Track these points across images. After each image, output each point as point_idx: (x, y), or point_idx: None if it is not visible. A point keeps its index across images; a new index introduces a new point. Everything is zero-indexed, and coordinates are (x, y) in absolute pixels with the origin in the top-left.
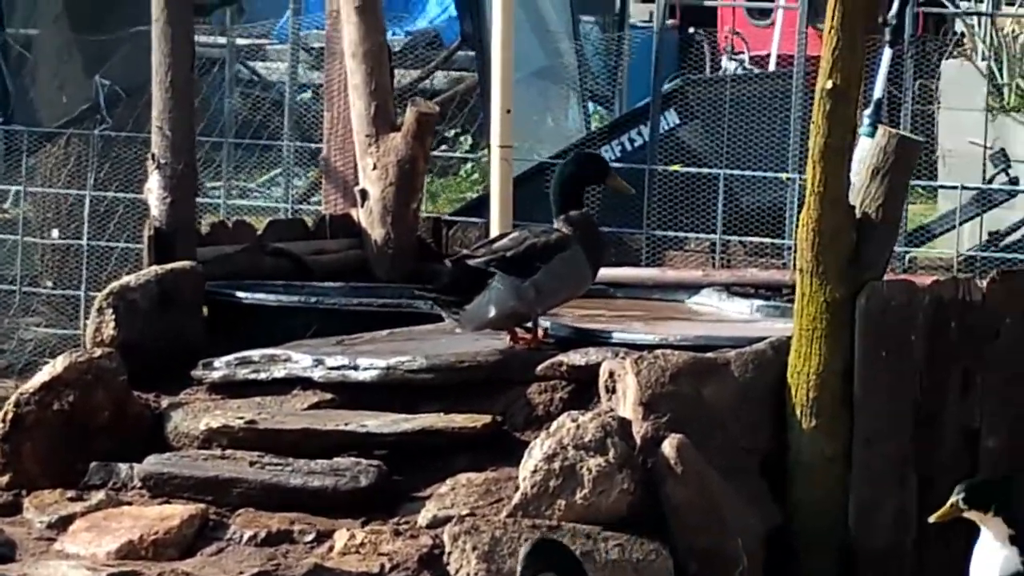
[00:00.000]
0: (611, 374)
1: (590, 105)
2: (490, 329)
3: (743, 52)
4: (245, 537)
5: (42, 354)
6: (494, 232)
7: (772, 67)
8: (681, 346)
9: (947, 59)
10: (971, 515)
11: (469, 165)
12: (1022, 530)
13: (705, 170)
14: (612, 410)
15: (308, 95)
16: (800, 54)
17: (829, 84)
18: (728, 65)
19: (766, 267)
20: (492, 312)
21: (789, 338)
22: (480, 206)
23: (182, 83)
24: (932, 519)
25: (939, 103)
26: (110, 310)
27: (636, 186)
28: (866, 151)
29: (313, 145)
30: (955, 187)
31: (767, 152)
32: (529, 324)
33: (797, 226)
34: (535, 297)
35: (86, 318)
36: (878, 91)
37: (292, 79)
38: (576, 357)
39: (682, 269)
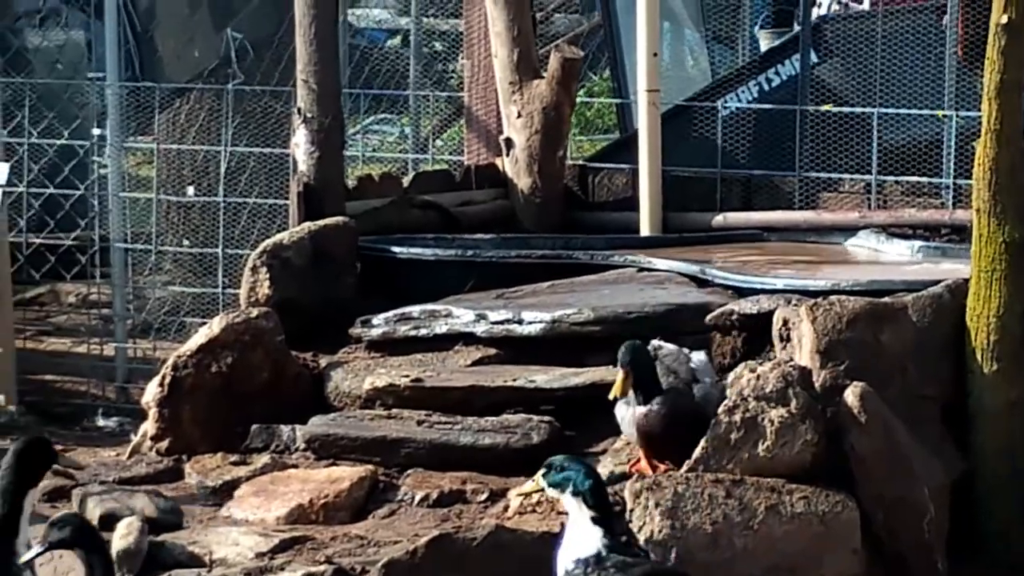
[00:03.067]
0: (785, 322)
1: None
2: None
3: None
4: (417, 498)
5: (176, 313)
6: (643, 178)
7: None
8: (854, 291)
9: None
10: (552, 494)
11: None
12: (604, 510)
13: (859, 109)
14: (791, 359)
15: (397, 41)
16: None
17: (1004, 19)
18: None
19: (923, 207)
20: None
21: (966, 280)
22: (618, 151)
23: (327, 35)
24: (515, 493)
25: None
26: (264, 269)
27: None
28: None
29: (444, 93)
30: None
31: (912, 89)
32: None
33: (954, 164)
34: None
35: (224, 276)
36: None
37: (417, 25)
38: (747, 305)
39: (838, 211)
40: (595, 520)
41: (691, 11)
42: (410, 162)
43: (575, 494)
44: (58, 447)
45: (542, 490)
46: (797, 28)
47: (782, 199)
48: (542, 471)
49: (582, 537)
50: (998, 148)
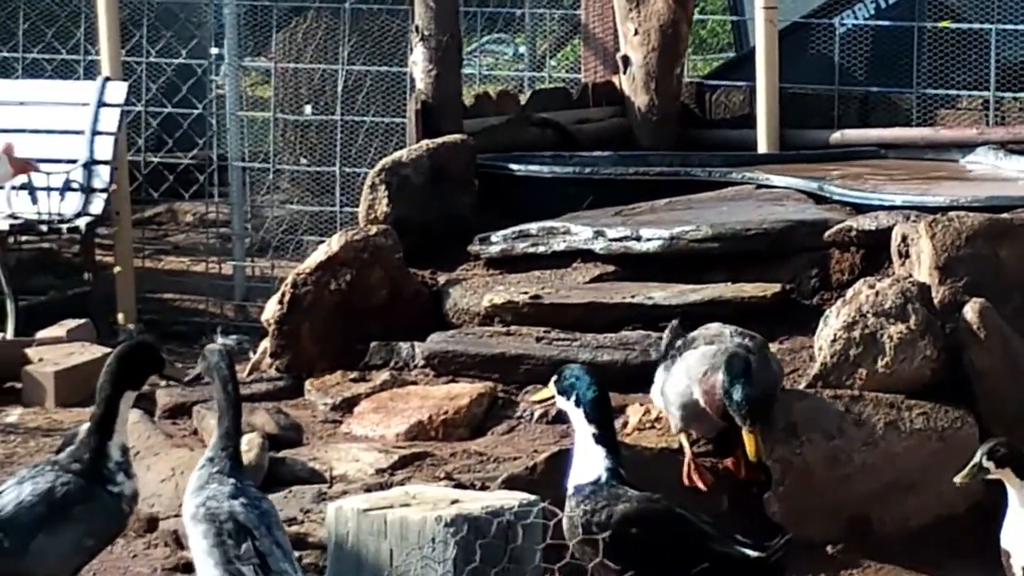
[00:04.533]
0: (904, 238)
1: None
2: None
3: None
4: (536, 415)
5: (294, 232)
6: (760, 95)
7: None
8: (973, 207)
9: None
10: (559, 402)
11: None
12: (605, 427)
13: (977, 25)
14: (910, 275)
15: None
16: None
17: None
18: None
19: None
20: None
21: None
22: (735, 68)
23: None
24: (530, 400)
25: None
26: (383, 186)
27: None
28: None
29: (559, 11)
30: None
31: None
32: None
33: None
34: None
35: (341, 194)
36: None
37: None
38: (865, 222)
39: (955, 128)
40: (597, 438)
41: None
42: (526, 80)
43: (577, 404)
44: (178, 365)
45: (553, 397)
46: None
47: (899, 116)
48: (555, 377)
49: (586, 458)
50: None
